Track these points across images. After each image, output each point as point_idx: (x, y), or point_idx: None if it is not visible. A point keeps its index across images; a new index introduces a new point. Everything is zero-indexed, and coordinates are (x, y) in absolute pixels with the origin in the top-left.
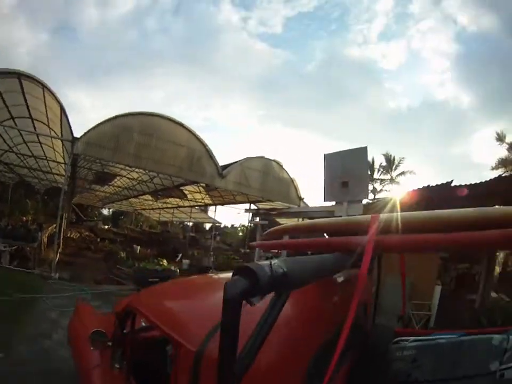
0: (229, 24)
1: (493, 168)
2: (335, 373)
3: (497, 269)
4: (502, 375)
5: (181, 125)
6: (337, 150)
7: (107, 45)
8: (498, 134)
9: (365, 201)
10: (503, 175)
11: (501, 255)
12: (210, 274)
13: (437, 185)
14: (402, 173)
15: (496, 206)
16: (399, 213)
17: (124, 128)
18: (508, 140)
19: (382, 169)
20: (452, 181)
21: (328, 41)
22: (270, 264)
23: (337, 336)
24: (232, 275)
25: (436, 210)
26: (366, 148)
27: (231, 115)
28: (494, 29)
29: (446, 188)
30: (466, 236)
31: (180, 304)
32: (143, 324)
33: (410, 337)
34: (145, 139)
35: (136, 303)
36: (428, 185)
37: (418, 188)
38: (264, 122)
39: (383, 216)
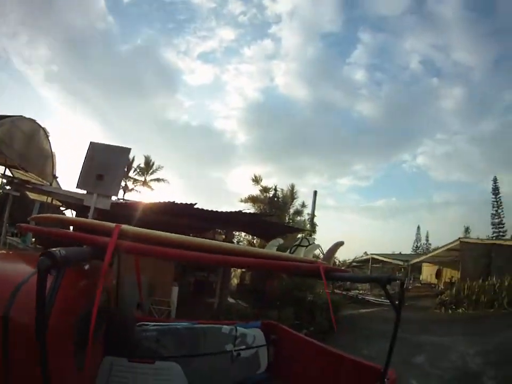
0: None
1: (242, 201)
2: (94, 339)
3: (235, 281)
4: (239, 354)
5: None
6: (105, 142)
7: None
8: (255, 176)
9: (114, 198)
10: (249, 210)
11: (238, 270)
12: None
13: (181, 203)
14: (157, 179)
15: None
16: (139, 228)
17: None
18: (263, 183)
19: (139, 170)
20: (196, 203)
21: (156, 35)
22: (59, 250)
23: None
24: (40, 256)
25: (167, 233)
26: (129, 149)
27: (24, 57)
28: (298, 96)
29: (189, 207)
30: (189, 254)
31: None
32: None
33: (151, 323)
34: None
35: None
36: (174, 201)
37: (166, 202)
38: (50, 80)
39: (124, 226)
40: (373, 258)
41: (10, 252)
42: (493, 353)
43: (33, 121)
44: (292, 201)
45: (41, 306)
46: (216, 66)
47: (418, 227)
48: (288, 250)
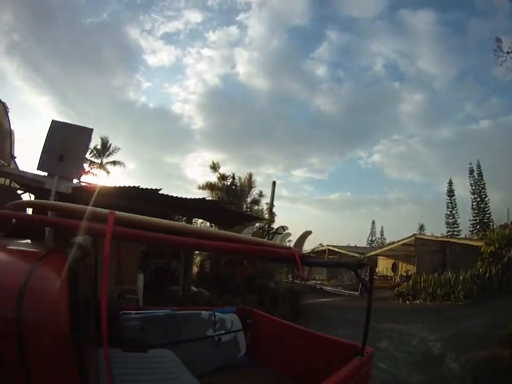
0: None
1: (200, 187)
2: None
3: (195, 269)
4: (220, 339)
5: None
6: (66, 121)
7: None
8: (213, 163)
9: (75, 181)
10: (207, 198)
11: (198, 259)
12: None
13: (147, 188)
14: (114, 162)
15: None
16: (134, 215)
17: None
18: (220, 171)
19: (95, 152)
20: (161, 189)
21: (123, 10)
22: (84, 240)
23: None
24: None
25: (158, 219)
26: (91, 130)
27: None
28: (258, 86)
29: (153, 192)
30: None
31: None
32: None
33: (133, 311)
34: None
35: None
36: (138, 186)
37: (131, 186)
38: (11, 51)
39: (118, 213)
40: (329, 250)
41: None
42: (453, 340)
43: None
44: (250, 190)
45: (74, 299)
46: (178, 48)
47: (373, 222)
48: (267, 237)
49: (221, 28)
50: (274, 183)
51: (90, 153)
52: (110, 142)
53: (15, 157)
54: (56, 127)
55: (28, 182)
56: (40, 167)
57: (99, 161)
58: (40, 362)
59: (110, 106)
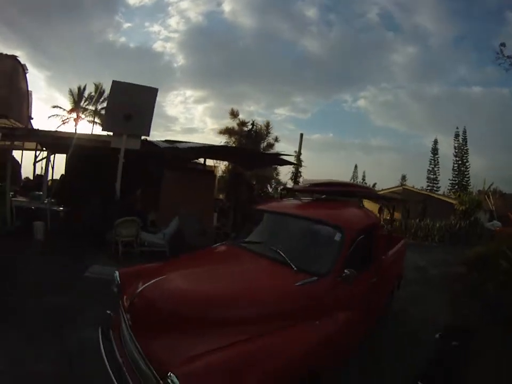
0: None
1: (220, 132)
2: None
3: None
4: None
5: None
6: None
7: None
8: (233, 111)
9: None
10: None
11: None
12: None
13: (229, 146)
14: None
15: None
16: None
17: None
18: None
19: (89, 99)
20: (226, 145)
21: None
22: None
23: None
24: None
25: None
26: (157, 89)
27: None
28: (244, 24)
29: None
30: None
31: None
32: None
33: None
34: None
35: None
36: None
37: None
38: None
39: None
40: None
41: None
42: (431, 262)
43: (13, 57)
44: (266, 136)
45: None
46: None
47: (356, 166)
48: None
49: None
50: (302, 135)
51: (84, 101)
52: (103, 88)
53: (32, 118)
54: (117, 87)
55: (90, 144)
56: (106, 128)
57: (94, 108)
58: None
59: (88, 50)
